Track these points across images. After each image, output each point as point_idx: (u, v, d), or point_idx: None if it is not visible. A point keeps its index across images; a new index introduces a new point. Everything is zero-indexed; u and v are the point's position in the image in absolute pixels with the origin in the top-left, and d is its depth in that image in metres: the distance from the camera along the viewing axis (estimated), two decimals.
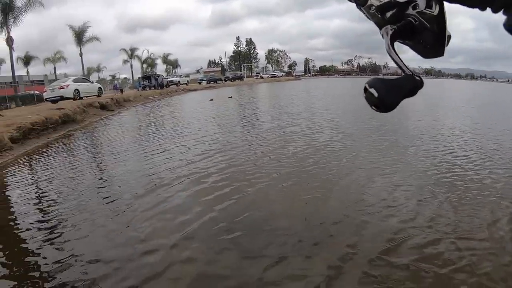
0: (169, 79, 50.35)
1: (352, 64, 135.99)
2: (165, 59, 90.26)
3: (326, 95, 25.80)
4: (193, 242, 3.95)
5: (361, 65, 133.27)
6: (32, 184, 7.41)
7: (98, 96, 25.15)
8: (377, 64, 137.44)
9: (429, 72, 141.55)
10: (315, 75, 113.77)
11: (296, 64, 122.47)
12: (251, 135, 10.44)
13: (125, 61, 76.42)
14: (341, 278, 3.15)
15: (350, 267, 3.28)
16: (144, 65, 79.18)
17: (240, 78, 69.15)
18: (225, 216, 4.57)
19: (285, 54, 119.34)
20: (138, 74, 71.25)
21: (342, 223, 4.25)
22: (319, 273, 3.21)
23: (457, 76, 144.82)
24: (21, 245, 4.32)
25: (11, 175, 8.22)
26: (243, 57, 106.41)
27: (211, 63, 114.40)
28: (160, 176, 6.66)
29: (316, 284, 3.07)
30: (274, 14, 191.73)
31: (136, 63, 78.39)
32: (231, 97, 26.30)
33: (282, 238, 3.89)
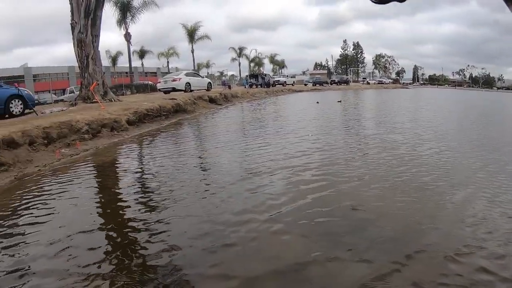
0: (275, 79, 50.61)
1: (464, 75, 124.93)
2: (272, 59, 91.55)
3: (434, 106, 23.48)
4: (284, 221, 4.08)
5: (473, 76, 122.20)
6: (142, 158, 8.37)
7: (207, 90, 25.77)
8: (490, 75, 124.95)
9: None
10: (424, 84, 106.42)
11: (404, 71, 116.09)
12: (353, 139, 9.77)
13: (233, 59, 79.22)
14: None
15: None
16: (252, 64, 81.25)
17: (346, 82, 67.16)
18: (316, 205, 4.54)
19: (393, 60, 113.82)
20: (245, 72, 73.63)
21: (438, 233, 3.79)
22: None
23: None
24: (129, 207, 4.88)
25: (125, 151, 9.19)
26: (350, 61, 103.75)
27: (317, 65, 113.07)
28: (261, 165, 6.74)
29: None
30: (382, 17, 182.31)
31: (244, 61, 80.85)
32: (340, 102, 25.25)
33: (369, 236, 3.69)
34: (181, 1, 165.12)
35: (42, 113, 12.41)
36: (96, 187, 6.00)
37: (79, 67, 16.54)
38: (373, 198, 4.83)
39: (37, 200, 5.22)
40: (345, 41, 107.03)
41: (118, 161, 8.18)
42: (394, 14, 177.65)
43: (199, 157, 8.16)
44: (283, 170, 6.28)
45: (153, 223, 4.16)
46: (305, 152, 7.75)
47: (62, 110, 12.81)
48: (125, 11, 41.31)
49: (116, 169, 7.43)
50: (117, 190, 5.78)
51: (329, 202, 4.66)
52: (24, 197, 5.41)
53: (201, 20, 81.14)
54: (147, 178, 6.36)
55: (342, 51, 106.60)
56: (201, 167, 7.08)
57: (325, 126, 12.21)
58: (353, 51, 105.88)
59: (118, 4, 40.54)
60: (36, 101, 16.48)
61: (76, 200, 5.18)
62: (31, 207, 4.93)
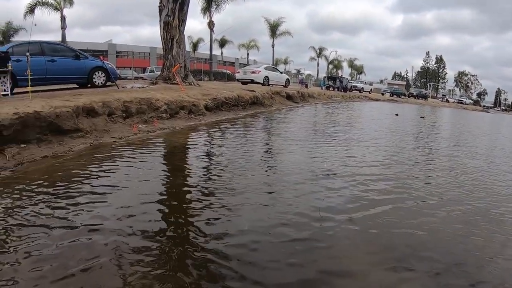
0: (352, 84, 49.06)
1: None
2: (351, 63, 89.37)
3: None
4: (349, 226, 4.00)
5: None
6: (216, 145, 8.03)
7: (285, 86, 25.11)
8: None
9: None
10: (506, 110, 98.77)
11: (486, 93, 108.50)
12: (424, 156, 8.97)
13: (311, 59, 77.80)
14: None
15: None
16: (330, 66, 79.56)
17: (424, 97, 63.62)
18: (383, 217, 4.35)
19: (476, 79, 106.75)
20: (322, 73, 72.56)
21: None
22: None
23: None
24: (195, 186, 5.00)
25: (200, 135, 9.01)
26: (430, 75, 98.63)
27: (396, 75, 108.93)
28: (323, 167, 6.44)
29: None
30: (468, 32, 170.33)
31: (322, 62, 79.02)
32: (423, 118, 23.60)
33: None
34: None
35: (123, 87, 12.34)
36: (167, 165, 6.09)
37: (163, 48, 16.56)
38: (440, 220, 4.48)
39: (109, 168, 5.45)
40: (427, 53, 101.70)
41: (192, 144, 7.98)
42: (481, 30, 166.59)
43: (272, 151, 7.97)
44: (344, 176, 5.99)
45: (216, 208, 4.16)
46: (371, 163, 7.27)
47: (143, 87, 12.66)
48: (211, 0, 41.56)
49: (189, 152, 7.32)
50: (186, 171, 5.79)
51: (399, 217, 4.42)
52: (100, 163, 5.63)
53: (284, 16, 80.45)
54: (218, 165, 6.24)
55: (423, 63, 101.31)
56: (273, 162, 6.80)
57: (398, 140, 11.08)
58: (435, 65, 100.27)
59: None
60: (118, 75, 16.72)
61: (146, 173, 5.28)
62: (103, 173, 5.17)
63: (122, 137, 7.52)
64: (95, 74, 11.95)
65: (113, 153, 6.28)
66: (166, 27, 15.97)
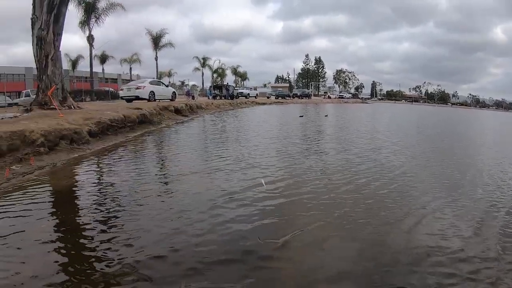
0: (238, 91, 50.19)
1: (420, 91, 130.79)
2: (235, 71, 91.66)
3: (390, 120, 25.83)
4: (227, 221, 4.72)
5: (429, 92, 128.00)
6: (110, 181, 6.81)
7: (172, 100, 24.72)
8: (445, 92, 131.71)
9: (500, 105, 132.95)
10: (382, 99, 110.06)
11: (363, 87, 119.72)
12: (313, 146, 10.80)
13: (195, 69, 78.05)
14: None
15: None
16: (215, 75, 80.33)
17: (308, 96, 68.35)
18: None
19: (353, 75, 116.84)
20: (207, 82, 72.97)
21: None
22: None
23: None
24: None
25: (87, 170, 7.84)
26: (311, 75, 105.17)
27: (279, 79, 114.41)
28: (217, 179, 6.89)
29: None
30: (344, 34, 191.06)
31: (207, 72, 79.91)
32: (326, 116, 26.74)
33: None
34: (145, 8, 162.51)
35: None
36: (55, 227, 4.48)
37: (37, 68, 14.76)
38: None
39: None
40: (307, 56, 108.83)
41: (80, 185, 6.53)
42: (356, 31, 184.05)
43: (169, 175, 7.37)
44: (233, 178, 6.89)
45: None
46: (260, 165, 8.14)
47: (15, 117, 11.41)
48: (90, 12, 39.16)
49: (79, 198, 5.80)
50: (82, 232, 4.37)
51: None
52: None
53: (166, 28, 79.07)
54: (117, 210, 5.09)
55: (303, 65, 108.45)
56: (175, 190, 6.17)
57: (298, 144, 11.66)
58: (314, 66, 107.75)
59: (83, 4, 38.40)
60: None
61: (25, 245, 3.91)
62: None
63: None
64: None
65: None
66: (40, 42, 14.10)
